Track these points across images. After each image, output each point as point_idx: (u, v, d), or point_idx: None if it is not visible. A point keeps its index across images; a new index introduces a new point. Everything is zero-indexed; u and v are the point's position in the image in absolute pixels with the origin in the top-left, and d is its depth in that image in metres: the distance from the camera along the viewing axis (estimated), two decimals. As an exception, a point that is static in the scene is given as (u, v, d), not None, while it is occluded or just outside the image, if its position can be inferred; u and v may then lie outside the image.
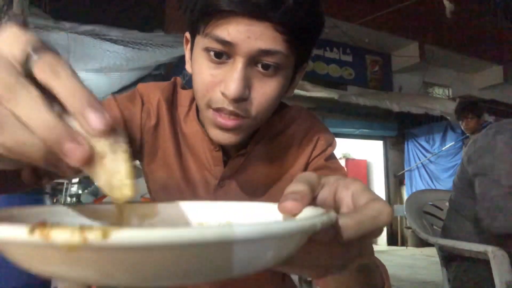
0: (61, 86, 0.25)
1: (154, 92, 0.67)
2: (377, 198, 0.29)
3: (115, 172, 0.26)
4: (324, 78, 6.55)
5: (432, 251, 3.05)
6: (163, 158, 0.66)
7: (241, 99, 0.52)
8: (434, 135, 6.95)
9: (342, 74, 6.84)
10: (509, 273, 1.08)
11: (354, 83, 6.92)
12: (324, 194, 0.31)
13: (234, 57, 0.51)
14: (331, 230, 0.27)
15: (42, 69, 0.25)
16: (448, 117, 5.67)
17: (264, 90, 0.53)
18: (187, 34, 0.60)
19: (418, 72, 7.50)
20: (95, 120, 0.25)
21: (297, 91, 5.30)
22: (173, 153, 0.66)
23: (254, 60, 0.51)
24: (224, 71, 0.52)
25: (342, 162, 7.51)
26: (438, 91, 8.25)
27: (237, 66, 0.51)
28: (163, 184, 0.67)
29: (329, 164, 0.67)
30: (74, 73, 0.26)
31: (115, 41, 3.48)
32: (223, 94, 0.52)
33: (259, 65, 0.52)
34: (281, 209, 0.28)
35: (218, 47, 0.51)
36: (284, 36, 0.50)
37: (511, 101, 6.78)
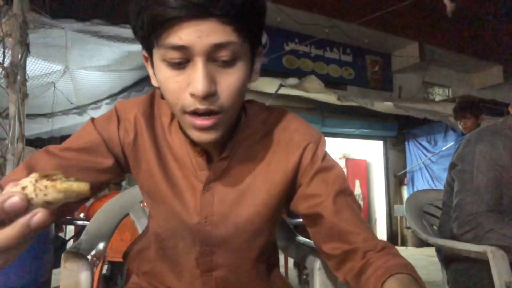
0: None
1: (131, 108, 0.69)
2: None
3: (67, 182, 0.35)
4: (324, 78, 6.55)
5: (432, 251, 3.04)
6: (147, 170, 0.68)
7: (210, 95, 0.54)
8: (435, 135, 6.95)
9: (342, 74, 6.85)
10: (508, 273, 1.08)
11: (354, 83, 6.93)
12: None
13: (192, 59, 0.53)
14: None
15: None
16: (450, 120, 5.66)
17: (229, 82, 0.56)
18: (144, 53, 0.62)
19: (418, 72, 7.51)
20: (12, 205, 0.33)
21: (297, 92, 5.30)
22: (156, 163, 0.68)
23: (211, 56, 0.53)
24: (187, 74, 0.54)
25: (342, 162, 7.51)
26: (438, 91, 8.26)
27: (198, 66, 0.53)
28: (152, 193, 0.70)
29: (324, 165, 0.68)
30: None
31: (114, 39, 3.47)
32: (192, 95, 0.54)
33: (218, 60, 0.54)
34: None
35: (174, 54, 0.53)
36: (231, 26, 0.52)
37: (511, 101, 6.77)
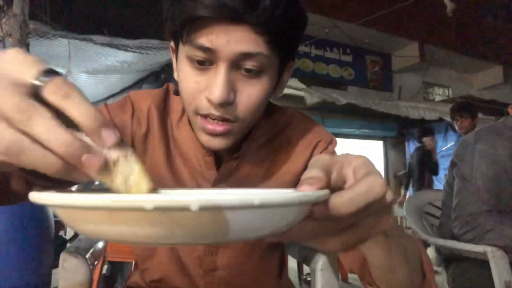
0: (74, 108, 0.27)
1: (145, 99, 0.67)
2: (371, 172, 0.30)
3: (130, 173, 0.30)
4: (324, 78, 6.55)
5: (433, 251, 3.04)
6: (153, 165, 0.66)
7: (227, 104, 0.52)
8: (435, 135, 6.94)
9: (342, 74, 6.85)
10: (508, 273, 1.08)
11: (354, 83, 6.93)
12: (334, 173, 0.33)
13: (216, 63, 0.51)
14: (324, 208, 0.29)
15: (53, 92, 0.27)
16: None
17: (250, 93, 0.53)
18: (172, 44, 0.59)
19: (418, 72, 7.51)
20: (109, 137, 0.28)
21: (298, 92, 5.30)
22: (163, 160, 0.65)
23: (236, 64, 0.51)
24: (208, 77, 0.52)
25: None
26: (438, 91, 8.25)
27: (220, 71, 0.50)
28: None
29: None
30: (82, 94, 0.28)
31: (115, 47, 3.50)
32: (208, 100, 0.52)
33: (242, 69, 0.51)
34: None
35: (199, 54, 0.50)
36: (263, 37, 0.49)
37: (511, 101, 6.78)
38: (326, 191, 0.28)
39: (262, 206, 0.23)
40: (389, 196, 0.31)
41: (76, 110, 0.27)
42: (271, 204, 0.24)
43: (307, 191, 0.29)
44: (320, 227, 0.31)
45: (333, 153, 0.68)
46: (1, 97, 0.26)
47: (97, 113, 0.28)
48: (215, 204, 0.22)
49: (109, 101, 4.73)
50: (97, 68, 3.99)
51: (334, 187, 0.32)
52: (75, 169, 0.27)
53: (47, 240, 2.08)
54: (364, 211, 0.30)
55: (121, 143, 0.29)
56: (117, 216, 0.23)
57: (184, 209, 0.22)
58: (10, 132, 0.26)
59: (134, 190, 0.30)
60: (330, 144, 0.69)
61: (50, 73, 0.28)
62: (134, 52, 3.57)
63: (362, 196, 0.29)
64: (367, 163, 0.32)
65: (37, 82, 0.27)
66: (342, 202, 0.29)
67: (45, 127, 0.26)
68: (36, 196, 0.25)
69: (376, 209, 0.31)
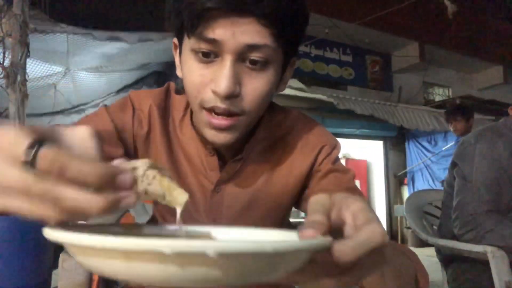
0: (76, 178, 0.27)
1: (146, 99, 0.66)
2: (372, 219, 0.32)
3: (173, 184, 0.33)
4: (324, 78, 6.54)
5: (432, 251, 3.03)
6: None
7: (232, 96, 0.52)
8: (435, 135, 6.94)
9: (342, 74, 6.84)
10: (508, 273, 1.08)
11: (354, 83, 6.92)
12: (333, 214, 0.34)
13: (222, 55, 0.51)
14: (328, 255, 0.30)
15: (47, 170, 0.27)
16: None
17: (255, 85, 0.54)
18: (175, 40, 0.60)
19: (418, 72, 7.50)
20: (124, 181, 0.30)
21: (297, 92, 5.30)
22: (165, 160, 0.65)
23: (242, 56, 0.51)
24: (213, 70, 0.52)
25: (342, 162, 7.50)
26: (438, 91, 8.25)
27: (226, 64, 0.51)
28: None
29: (337, 167, 0.67)
30: (77, 158, 0.27)
31: (115, 40, 3.48)
32: (214, 92, 0.52)
33: (248, 61, 0.52)
34: (302, 237, 0.31)
35: (205, 46, 0.51)
36: (269, 29, 0.50)
37: (511, 101, 6.77)
38: (327, 240, 0.30)
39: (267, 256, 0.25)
40: (386, 240, 0.33)
41: (79, 178, 0.27)
42: (270, 254, 0.25)
43: (309, 239, 0.30)
44: (322, 270, 0.32)
45: (337, 159, 0.69)
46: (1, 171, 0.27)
47: (102, 167, 0.28)
48: (233, 249, 0.24)
49: (108, 100, 4.74)
50: (96, 65, 3.97)
51: (333, 228, 0.33)
52: (116, 204, 0.29)
53: (46, 240, 2.08)
54: (365, 256, 0.31)
55: (151, 164, 0.32)
56: (133, 257, 0.24)
57: (201, 254, 0.23)
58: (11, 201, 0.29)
59: (173, 202, 0.33)
60: (334, 149, 0.69)
61: (40, 143, 0.27)
62: (132, 45, 3.54)
63: (364, 244, 0.30)
64: (366, 209, 0.33)
65: (29, 156, 0.27)
66: (346, 251, 0.30)
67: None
68: (51, 234, 0.27)
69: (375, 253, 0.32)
